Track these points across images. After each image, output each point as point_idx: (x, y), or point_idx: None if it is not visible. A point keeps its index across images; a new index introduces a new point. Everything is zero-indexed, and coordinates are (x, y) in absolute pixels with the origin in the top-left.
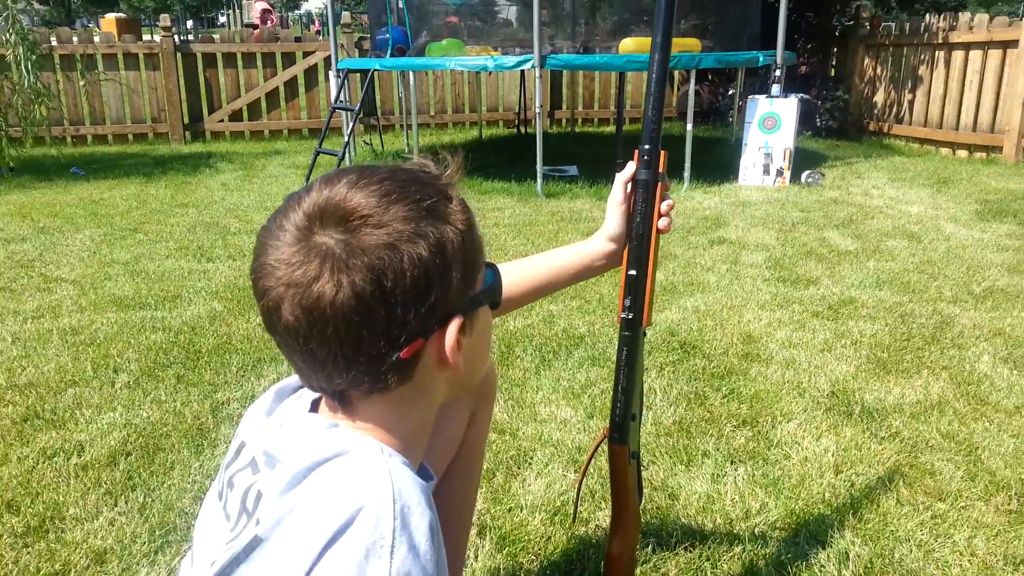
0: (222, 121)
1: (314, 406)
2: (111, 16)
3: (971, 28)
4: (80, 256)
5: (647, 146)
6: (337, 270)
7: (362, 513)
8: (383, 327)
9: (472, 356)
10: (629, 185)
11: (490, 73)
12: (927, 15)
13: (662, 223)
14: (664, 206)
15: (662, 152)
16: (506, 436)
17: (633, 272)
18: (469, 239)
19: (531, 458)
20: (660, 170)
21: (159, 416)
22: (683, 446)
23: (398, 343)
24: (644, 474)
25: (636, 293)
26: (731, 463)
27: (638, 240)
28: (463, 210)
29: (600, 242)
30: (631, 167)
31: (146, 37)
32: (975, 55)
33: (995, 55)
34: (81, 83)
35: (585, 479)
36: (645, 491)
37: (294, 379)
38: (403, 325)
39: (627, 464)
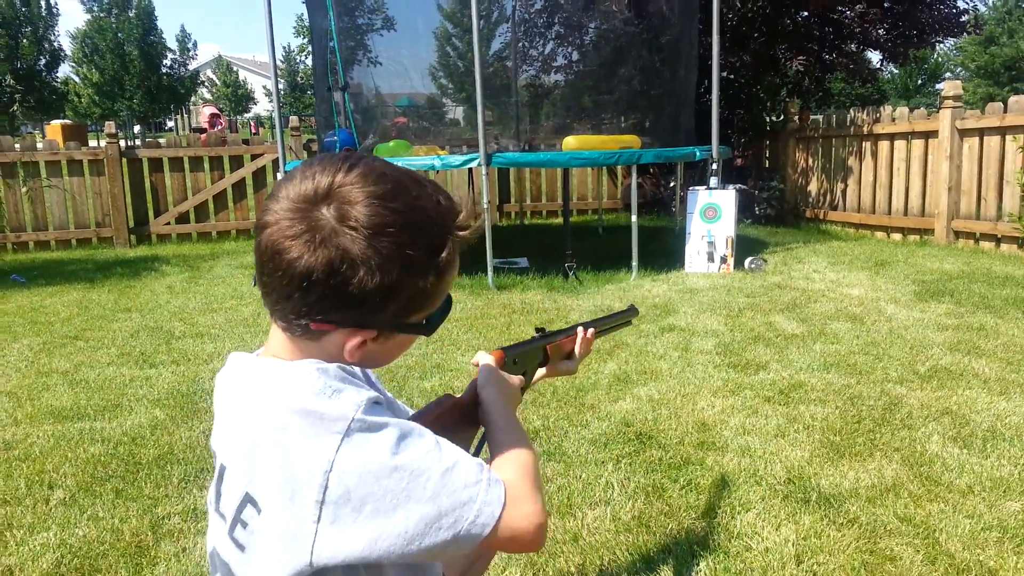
0: (168, 224)
1: None
2: (56, 123)
3: (893, 120)
4: (17, 366)
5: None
6: (319, 241)
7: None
8: (315, 299)
9: (378, 355)
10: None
11: (437, 171)
12: (851, 109)
13: None
14: None
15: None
16: None
17: None
18: (439, 286)
19: None
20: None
21: (96, 534)
22: (643, 542)
23: (316, 317)
24: (604, 574)
25: None
26: (693, 558)
27: None
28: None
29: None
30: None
31: (92, 143)
32: (900, 144)
33: (918, 144)
34: (23, 190)
35: None
36: None
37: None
38: (329, 309)
39: None
